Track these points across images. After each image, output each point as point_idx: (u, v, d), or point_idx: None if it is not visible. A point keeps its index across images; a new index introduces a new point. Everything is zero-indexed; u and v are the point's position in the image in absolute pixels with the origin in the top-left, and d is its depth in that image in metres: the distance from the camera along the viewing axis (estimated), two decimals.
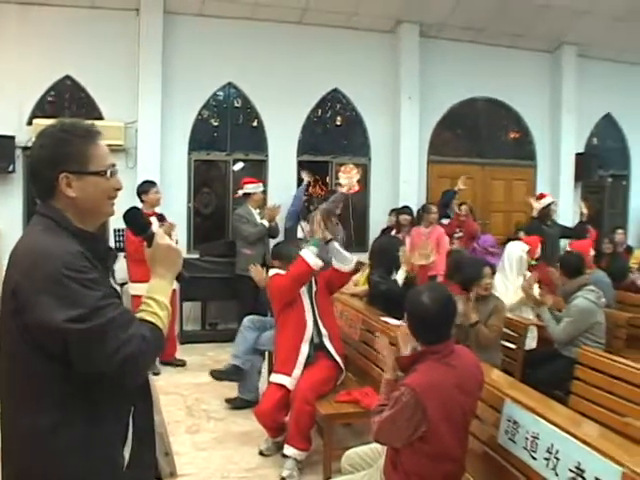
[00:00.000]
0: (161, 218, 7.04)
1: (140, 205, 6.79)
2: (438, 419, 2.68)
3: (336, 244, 4.77)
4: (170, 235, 6.72)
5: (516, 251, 6.24)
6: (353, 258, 4.83)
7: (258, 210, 7.98)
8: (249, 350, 5.74)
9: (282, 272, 4.85)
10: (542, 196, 8.50)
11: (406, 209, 8.64)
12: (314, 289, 4.83)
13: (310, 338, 4.68)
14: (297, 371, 4.57)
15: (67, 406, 1.76)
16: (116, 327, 1.72)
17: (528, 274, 5.98)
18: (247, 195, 7.94)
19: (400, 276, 5.43)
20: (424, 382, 2.72)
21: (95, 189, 1.91)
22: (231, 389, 5.95)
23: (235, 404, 5.81)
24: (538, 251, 6.40)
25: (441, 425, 2.70)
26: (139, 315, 1.86)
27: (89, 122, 1.99)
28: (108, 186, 1.94)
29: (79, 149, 1.88)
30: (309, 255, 4.58)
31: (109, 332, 1.70)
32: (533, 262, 6.36)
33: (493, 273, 5.40)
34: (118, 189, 1.98)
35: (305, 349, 4.65)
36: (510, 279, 6.10)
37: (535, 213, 8.19)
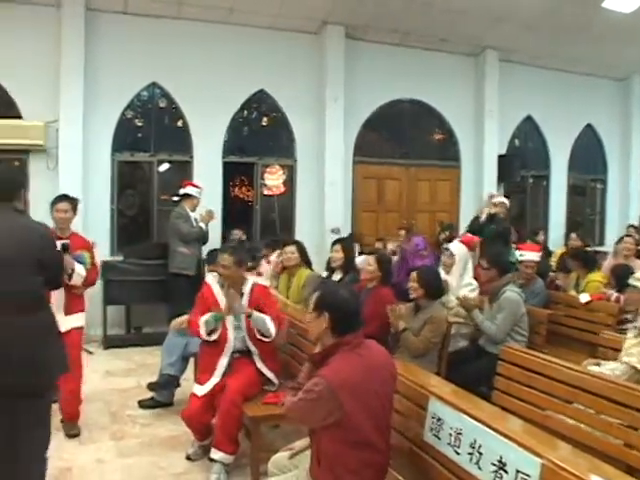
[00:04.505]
0: (65, 247, 4.63)
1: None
2: (354, 407, 2.73)
3: (256, 315, 4.56)
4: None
5: (462, 252, 6.33)
6: (275, 329, 4.61)
7: (193, 214, 8.03)
8: (180, 357, 5.73)
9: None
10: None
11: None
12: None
13: (230, 353, 4.63)
14: (215, 380, 4.55)
15: None
16: None
17: (472, 281, 6.13)
18: (187, 196, 7.96)
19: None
20: (338, 372, 2.77)
21: None
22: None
23: (148, 404, 5.76)
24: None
25: (358, 413, 2.74)
26: None
27: None
28: None
29: None
30: (202, 327, 4.59)
31: None
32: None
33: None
34: None
35: (224, 362, 4.61)
36: (455, 276, 6.19)
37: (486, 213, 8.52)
